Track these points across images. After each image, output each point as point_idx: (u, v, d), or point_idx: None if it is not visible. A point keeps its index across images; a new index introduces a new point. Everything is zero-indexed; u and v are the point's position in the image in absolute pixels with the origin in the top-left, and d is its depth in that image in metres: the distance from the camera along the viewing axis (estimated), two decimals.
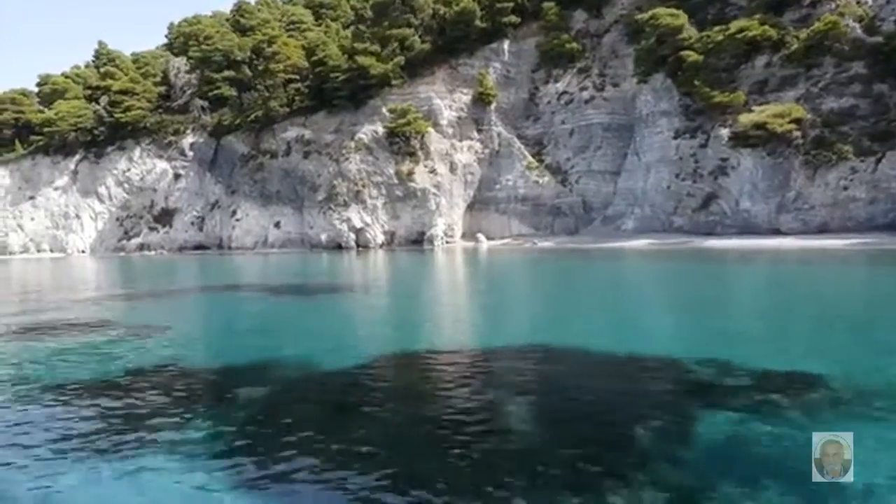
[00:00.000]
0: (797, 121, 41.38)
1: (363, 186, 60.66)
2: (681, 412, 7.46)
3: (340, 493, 5.71)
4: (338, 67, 62.34)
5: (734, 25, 46.81)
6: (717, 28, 48.11)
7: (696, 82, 47.43)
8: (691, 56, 48.05)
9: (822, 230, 39.59)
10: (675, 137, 49.13)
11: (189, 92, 73.63)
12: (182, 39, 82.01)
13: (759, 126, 41.70)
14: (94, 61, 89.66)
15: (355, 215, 60.46)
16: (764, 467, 5.52)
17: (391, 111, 61.43)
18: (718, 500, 5.13)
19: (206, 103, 74.02)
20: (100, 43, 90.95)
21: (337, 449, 6.64)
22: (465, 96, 63.53)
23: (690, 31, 50.24)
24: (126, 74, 79.54)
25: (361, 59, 61.41)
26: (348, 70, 62.13)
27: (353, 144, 62.10)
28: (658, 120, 51.10)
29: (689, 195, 47.40)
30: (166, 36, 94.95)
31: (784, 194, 41.74)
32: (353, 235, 60.38)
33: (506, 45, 64.10)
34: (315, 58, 64.34)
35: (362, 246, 60.33)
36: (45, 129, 72.17)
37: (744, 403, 7.53)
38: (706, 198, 46.37)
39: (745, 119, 42.72)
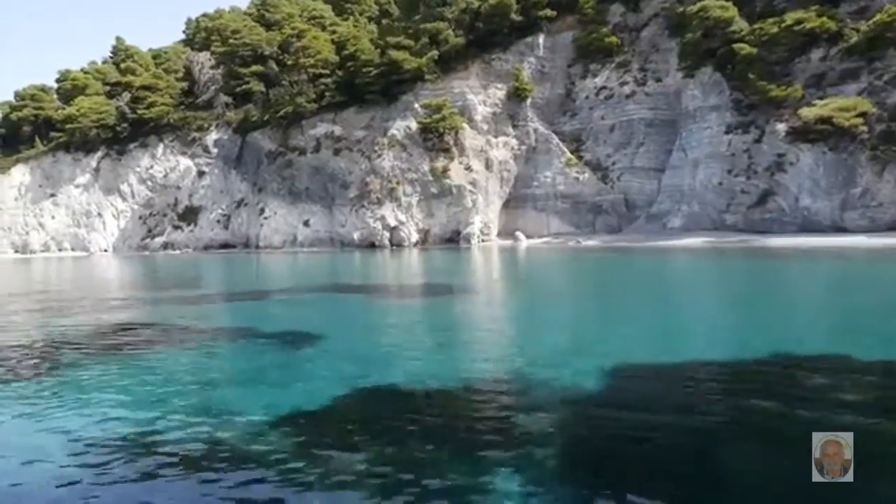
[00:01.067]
0: (863, 115, 40.00)
1: (397, 184, 59.27)
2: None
3: None
4: (370, 62, 60.98)
5: (790, 17, 45.40)
6: (770, 20, 46.69)
7: (751, 76, 45.99)
8: (744, 49, 46.63)
9: (892, 227, 38.20)
10: (727, 133, 47.74)
11: (213, 87, 72.18)
12: (204, 34, 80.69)
13: (824, 120, 40.31)
14: (111, 57, 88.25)
15: (389, 213, 59.07)
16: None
17: (425, 106, 60.04)
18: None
19: (230, 99, 72.64)
20: (117, 39, 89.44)
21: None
22: (499, 91, 62.17)
23: (741, 24, 48.85)
24: (147, 70, 78.21)
25: (394, 54, 60.03)
26: (380, 65, 60.77)
27: (385, 141, 60.72)
28: (707, 115, 49.71)
29: (743, 192, 46.00)
30: (184, 32, 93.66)
31: (849, 191, 40.34)
32: (387, 234, 59.00)
33: (541, 39, 62.71)
34: (346, 52, 62.97)
35: (396, 244, 58.94)
36: (67, 126, 70.71)
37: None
38: (762, 195, 44.96)
39: (809, 113, 41.32)
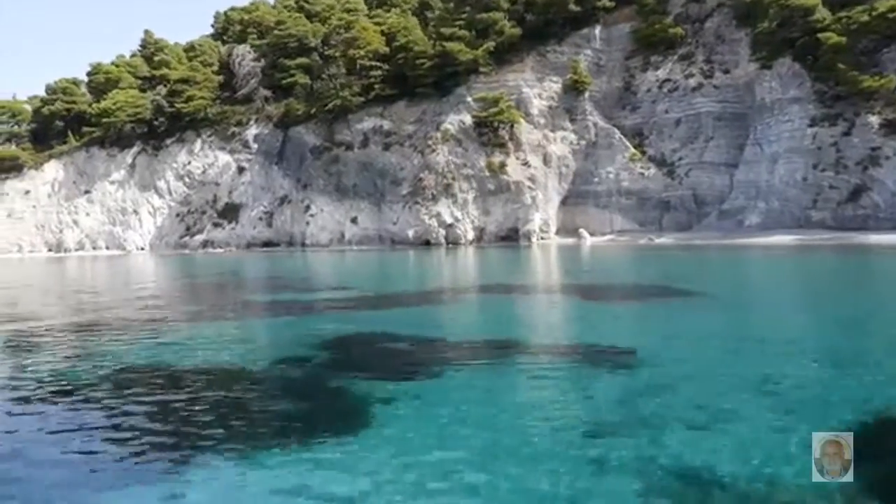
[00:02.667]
0: None
1: (453, 179, 57.25)
2: None
3: None
4: (423, 53, 58.89)
5: (882, 5, 43.44)
6: (859, 8, 44.74)
7: (840, 66, 44.02)
8: (832, 38, 44.68)
9: None
10: (811, 126, 45.80)
11: (253, 81, 70.02)
12: (239, 27, 78.54)
13: None
14: (140, 51, 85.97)
15: (445, 210, 57.04)
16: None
17: (480, 100, 58.05)
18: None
19: (269, 93, 70.53)
20: (146, 32, 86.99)
21: None
22: (554, 85, 60.16)
23: (823, 13, 46.92)
24: (181, 64, 76.08)
25: (449, 45, 57.96)
26: (434, 56, 58.68)
27: (439, 135, 58.68)
28: (786, 107, 47.77)
29: (832, 187, 44.05)
30: (212, 26, 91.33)
31: None
32: (442, 231, 56.98)
33: (597, 30, 60.79)
34: (396, 44, 60.87)
35: (452, 242, 56.94)
36: (103, 121, 68.52)
37: None
38: (853, 190, 43.04)
39: None
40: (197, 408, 7.81)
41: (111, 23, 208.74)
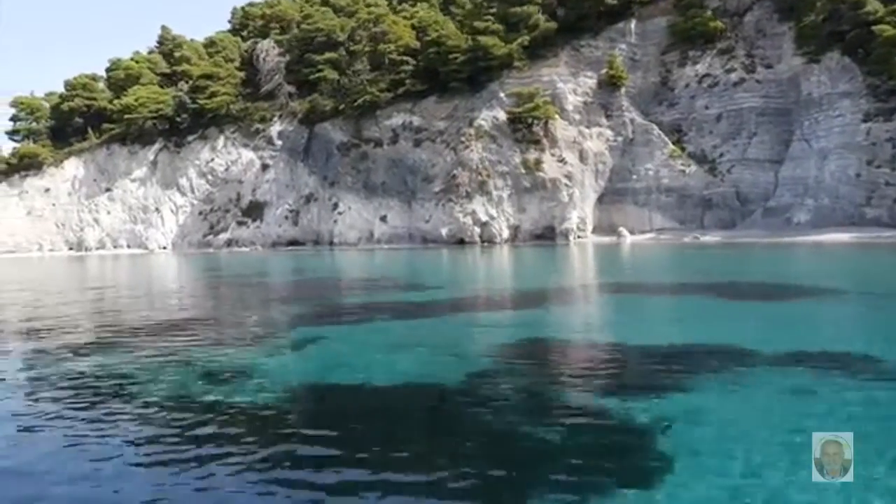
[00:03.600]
0: None
1: (487, 177, 56.00)
2: None
3: None
4: (456, 48, 57.59)
5: None
6: None
7: None
8: (887, 31, 43.46)
9: None
10: (865, 121, 44.60)
11: (277, 76, 68.71)
12: (260, 22, 77.21)
13: None
14: (157, 47, 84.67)
15: (480, 208, 55.81)
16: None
17: (515, 95, 56.77)
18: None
19: (293, 88, 69.26)
20: (163, 28, 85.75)
21: None
22: (589, 80, 58.91)
23: (875, 5, 45.70)
24: (201, 59, 74.79)
25: (483, 39, 56.71)
26: (467, 51, 57.40)
27: (472, 131, 57.43)
28: (836, 102, 46.56)
29: (888, 184, 42.87)
30: (229, 21, 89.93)
31: None
32: (477, 229, 55.76)
33: (632, 25, 59.52)
34: (428, 38, 59.60)
35: (486, 241, 55.72)
36: (126, 117, 67.19)
37: None
38: None
39: None
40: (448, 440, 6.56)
41: (125, 19, 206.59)
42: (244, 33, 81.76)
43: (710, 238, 47.92)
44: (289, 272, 35.14)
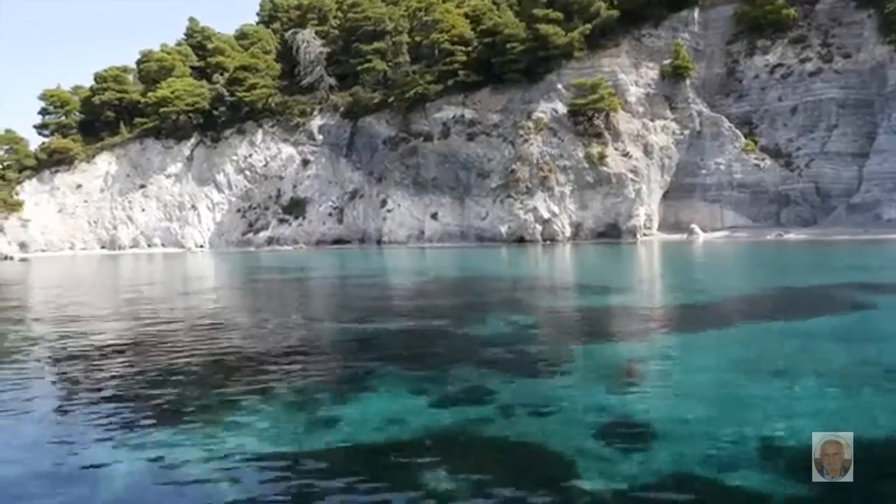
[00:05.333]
0: None
1: (549, 171, 53.46)
2: None
3: None
4: (514, 37, 54.98)
5: None
6: None
7: None
8: None
9: None
10: None
11: (318, 68, 66.09)
12: (297, 12, 74.54)
13: None
14: (185, 39, 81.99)
15: (542, 204, 53.28)
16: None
17: (577, 86, 54.19)
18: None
19: (334, 81, 66.71)
20: (191, 20, 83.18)
21: None
22: (650, 71, 56.44)
23: None
24: (236, 51, 72.19)
25: (543, 28, 54.14)
26: (526, 40, 54.81)
27: (531, 124, 54.90)
28: None
29: None
30: (258, 13, 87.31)
31: None
32: (539, 227, 53.24)
33: (695, 13, 57.09)
34: (483, 27, 57.01)
35: (548, 239, 53.19)
36: (161, 110, 64.51)
37: None
38: None
39: None
40: None
41: (146, 12, 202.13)
42: (274, 25, 79.21)
43: (795, 236, 45.35)
44: (399, 272, 31.76)
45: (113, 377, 9.05)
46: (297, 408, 7.11)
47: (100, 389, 8.33)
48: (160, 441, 6.09)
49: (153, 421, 6.79)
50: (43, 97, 69.95)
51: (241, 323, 14.66)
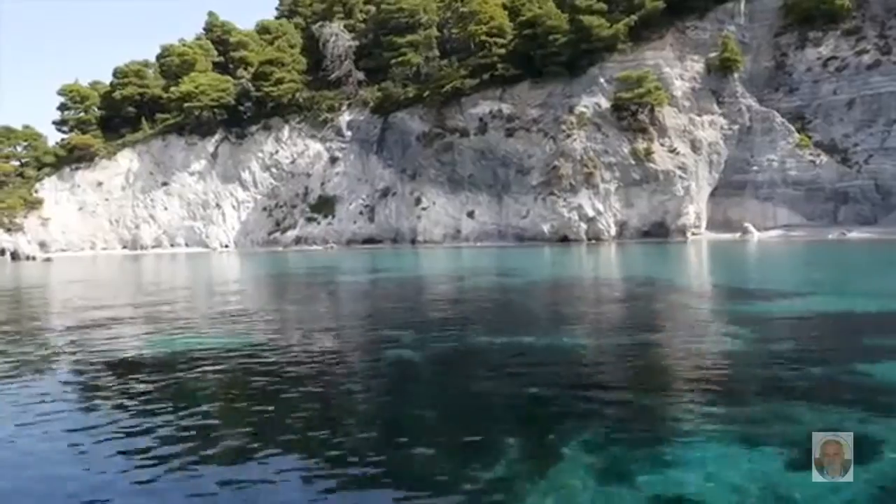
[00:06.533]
0: None
1: (594, 168, 51.49)
2: None
3: None
4: (556, 28, 53.03)
5: None
6: None
7: None
8: None
9: None
10: None
11: (347, 62, 64.12)
12: (322, 5, 72.53)
13: None
14: (205, 34, 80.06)
15: (586, 202, 51.31)
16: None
17: (620, 80, 52.24)
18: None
19: (362, 75, 64.74)
20: (210, 14, 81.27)
21: None
22: (695, 64, 54.46)
23: None
24: (260, 45, 70.24)
25: (587, 19, 52.20)
26: (568, 32, 52.87)
27: (574, 119, 52.95)
28: None
29: None
30: (277, 7, 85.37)
31: None
32: (583, 226, 51.28)
33: (741, 5, 55.08)
34: (523, 18, 55.05)
35: (593, 238, 51.22)
36: (185, 105, 62.51)
37: None
38: None
39: None
40: None
41: (162, 6, 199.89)
42: (296, 20, 77.23)
43: (858, 235, 43.38)
44: (482, 273, 29.49)
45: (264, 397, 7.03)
46: None
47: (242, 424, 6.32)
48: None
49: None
50: (62, 92, 67.96)
51: (348, 336, 12.64)
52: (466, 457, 5.45)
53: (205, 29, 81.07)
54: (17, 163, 64.91)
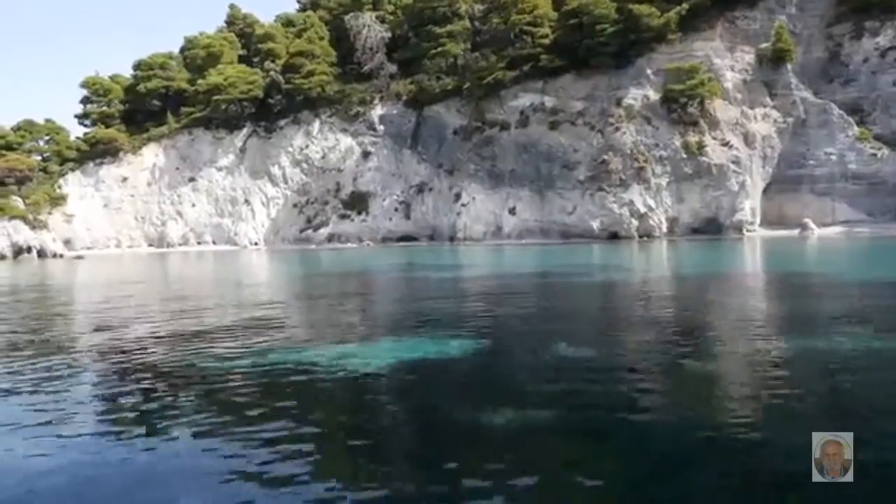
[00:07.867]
0: None
1: (645, 162, 49.72)
2: None
3: None
4: (604, 18, 51.20)
5: None
6: None
7: None
8: None
9: None
10: None
11: (379, 55, 62.21)
12: None
13: None
14: (226, 27, 78.10)
15: (638, 198, 49.55)
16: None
17: (669, 71, 50.50)
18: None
19: (394, 68, 62.86)
20: (232, 6, 79.36)
21: None
22: (746, 55, 52.71)
23: None
24: (286, 38, 68.28)
25: (636, 8, 50.38)
26: (617, 21, 51.06)
27: (622, 112, 51.15)
28: None
29: None
30: (299, 0, 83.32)
31: None
32: (635, 222, 49.53)
33: None
34: (567, 7, 53.22)
35: (644, 235, 49.47)
36: (214, 98, 60.56)
37: None
38: None
39: None
40: None
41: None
42: (319, 12, 75.21)
43: None
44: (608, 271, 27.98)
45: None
46: None
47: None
48: None
49: None
50: (84, 85, 65.95)
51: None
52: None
53: (226, 22, 79.21)
54: (39, 157, 62.85)
